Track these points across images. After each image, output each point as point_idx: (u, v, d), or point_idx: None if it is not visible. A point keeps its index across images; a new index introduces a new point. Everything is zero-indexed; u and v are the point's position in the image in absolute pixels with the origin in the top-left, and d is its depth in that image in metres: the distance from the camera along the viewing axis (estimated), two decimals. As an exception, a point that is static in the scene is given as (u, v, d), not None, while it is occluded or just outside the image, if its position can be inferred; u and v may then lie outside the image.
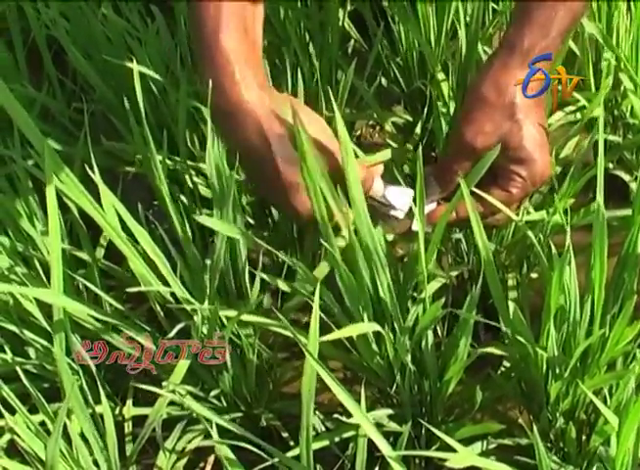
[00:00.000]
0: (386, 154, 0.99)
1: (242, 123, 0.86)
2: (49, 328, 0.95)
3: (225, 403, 1.01)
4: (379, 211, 0.94)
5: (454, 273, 1.04)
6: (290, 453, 0.83)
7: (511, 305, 0.84)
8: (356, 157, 0.97)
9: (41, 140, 0.84)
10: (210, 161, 0.91)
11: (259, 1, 0.92)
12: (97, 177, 0.88)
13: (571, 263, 0.80)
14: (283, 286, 0.91)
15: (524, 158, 0.90)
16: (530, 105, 0.90)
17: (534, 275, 1.10)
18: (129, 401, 1.03)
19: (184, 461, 0.99)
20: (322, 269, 0.92)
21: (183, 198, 1.06)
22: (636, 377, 0.81)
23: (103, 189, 0.89)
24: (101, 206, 0.89)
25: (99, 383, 0.92)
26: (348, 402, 0.77)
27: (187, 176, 0.97)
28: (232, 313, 0.90)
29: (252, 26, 0.90)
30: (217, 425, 0.86)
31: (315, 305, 0.76)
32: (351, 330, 0.84)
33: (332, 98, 0.82)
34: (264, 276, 0.91)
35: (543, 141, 0.91)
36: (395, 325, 0.88)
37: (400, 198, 0.93)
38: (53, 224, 0.84)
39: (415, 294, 0.92)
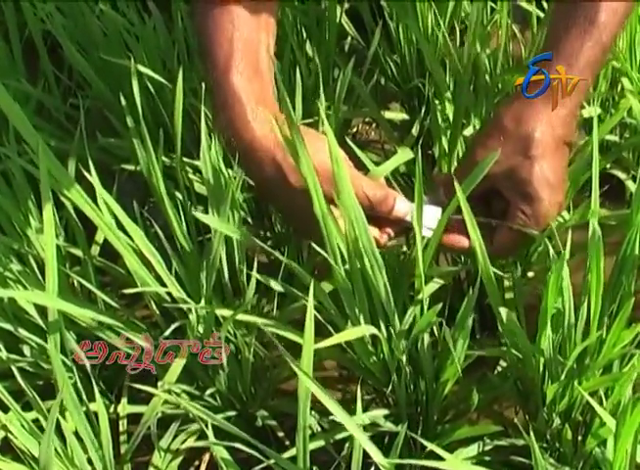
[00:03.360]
0: (404, 155, 0.97)
1: (257, 159, 0.88)
2: (44, 326, 0.94)
3: (220, 402, 1.01)
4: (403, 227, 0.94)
5: (451, 274, 1.04)
6: (286, 454, 0.83)
7: (503, 311, 0.83)
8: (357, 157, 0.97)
9: (35, 137, 0.83)
10: (205, 158, 0.91)
11: (271, 26, 0.93)
12: (93, 177, 0.88)
13: (564, 268, 0.79)
14: (277, 287, 0.91)
15: (530, 194, 0.88)
16: (549, 143, 0.88)
17: (531, 274, 1.09)
18: (124, 400, 1.02)
19: (179, 460, 0.98)
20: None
21: (179, 195, 1.05)
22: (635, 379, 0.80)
23: (98, 188, 0.88)
24: (96, 203, 0.89)
25: (93, 381, 0.91)
26: (339, 414, 0.76)
27: (182, 174, 0.97)
28: (228, 313, 0.89)
29: (265, 56, 0.91)
30: (213, 424, 0.86)
31: (309, 307, 0.76)
32: (347, 334, 0.84)
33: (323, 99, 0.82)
34: (259, 277, 0.90)
35: (555, 182, 0.89)
36: (392, 326, 0.88)
37: (427, 217, 0.91)
38: (48, 224, 0.83)
39: (412, 293, 0.91)
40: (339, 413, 0.76)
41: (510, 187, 0.90)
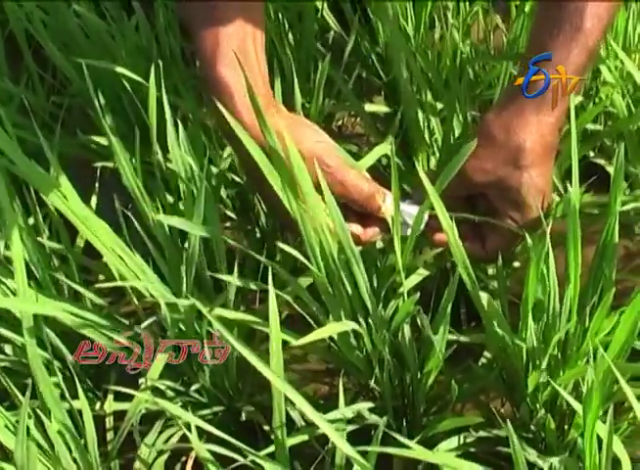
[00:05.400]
0: (382, 149, 0.97)
1: (246, 149, 0.87)
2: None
3: (206, 398, 1.01)
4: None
5: (435, 265, 1.04)
6: (265, 451, 0.83)
7: (484, 296, 0.83)
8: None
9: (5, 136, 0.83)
10: (175, 155, 0.91)
11: (257, 23, 0.92)
12: (60, 174, 0.87)
13: (543, 256, 0.79)
14: (254, 286, 0.91)
15: (519, 202, 0.89)
16: (538, 152, 0.89)
17: (517, 264, 1.09)
18: (110, 396, 1.02)
19: (166, 456, 0.98)
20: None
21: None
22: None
23: (65, 185, 0.88)
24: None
25: (76, 379, 0.91)
26: (306, 408, 0.76)
27: (158, 171, 0.97)
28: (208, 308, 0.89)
29: (251, 48, 0.90)
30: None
31: (272, 306, 0.77)
32: (326, 330, 0.83)
33: (298, 92, 0.82)
34: (237, 282, 0.90)
35: (544, 189, 0.90)
36: (373, 319, 0.87)
37: (410, 215, 0.91)
38: (11, 223, 0.83)
39: (395, 286, 0.91)
40: (310, 412, 0.76)
41: (498, 195, 0.90)
